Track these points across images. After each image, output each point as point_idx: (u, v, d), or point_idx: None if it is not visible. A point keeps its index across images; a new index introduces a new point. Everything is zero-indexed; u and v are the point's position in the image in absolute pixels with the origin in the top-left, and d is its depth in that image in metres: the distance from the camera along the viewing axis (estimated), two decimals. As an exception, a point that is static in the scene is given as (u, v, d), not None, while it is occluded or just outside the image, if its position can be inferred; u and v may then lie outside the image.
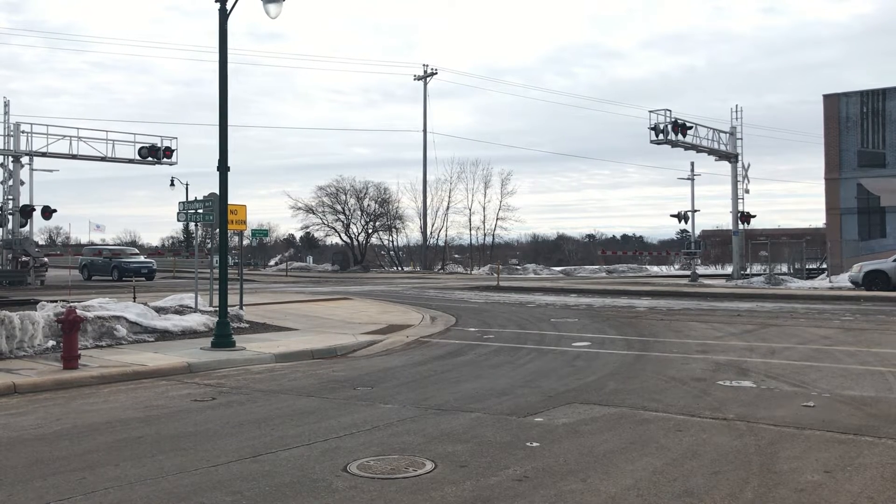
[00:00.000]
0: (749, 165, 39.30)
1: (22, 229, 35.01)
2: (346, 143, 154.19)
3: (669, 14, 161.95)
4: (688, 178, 40.94)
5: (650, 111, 35.34)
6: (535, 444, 6.88)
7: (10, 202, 34.54)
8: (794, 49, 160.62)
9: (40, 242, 60.52)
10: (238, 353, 12.92)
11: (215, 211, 15.84)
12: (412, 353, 13.60)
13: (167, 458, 6.58)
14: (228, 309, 14.31)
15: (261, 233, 37.82)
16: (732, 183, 39.13)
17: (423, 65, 62.71)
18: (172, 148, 37.02)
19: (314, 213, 66.55)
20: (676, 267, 62.79)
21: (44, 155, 35.05)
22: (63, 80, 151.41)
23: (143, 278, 39.17)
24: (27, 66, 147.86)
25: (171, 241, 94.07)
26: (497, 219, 67.53)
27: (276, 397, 9.46)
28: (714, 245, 65.04)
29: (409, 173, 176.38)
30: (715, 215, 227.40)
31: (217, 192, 14.41)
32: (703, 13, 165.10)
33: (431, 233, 64.54)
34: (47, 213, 35.37)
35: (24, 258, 34.77)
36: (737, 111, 39.54)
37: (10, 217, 34.38)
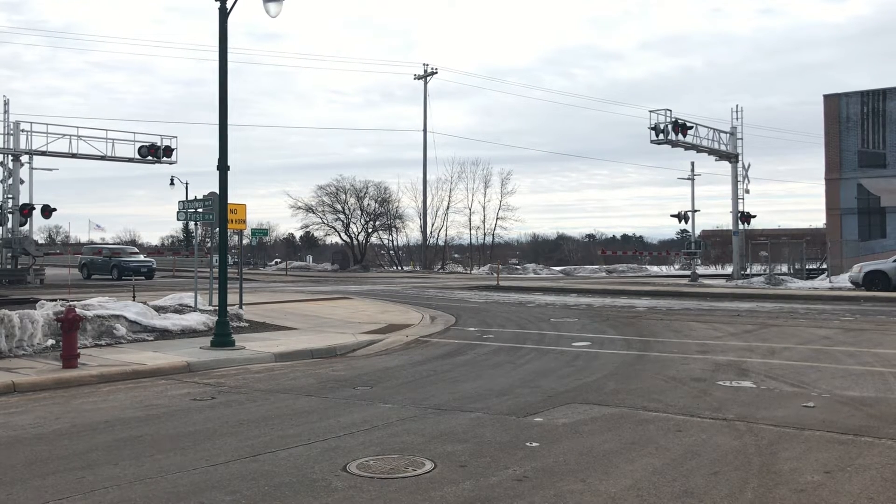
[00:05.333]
0: (749, 165, 39.22)
1: (22, 228, 34.98)
2: (347, 142, 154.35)
3: (667, 15, 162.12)
4: (688, 179, 40.90)
5: (650, 111, 35.31)
6: (534, 444, 6.87)
7: (10, 201, 34.47)
8: (792, 50, 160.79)
9: (40, 241, 60.34)
10: (237, 353, 12.92)
11: (215, 210, 15.82)
12: (412, 353, 13.59)
13: (166, 457, 6.57)
14: (228, 308, 14.29)
15: (260, 232, 37.65)
16: (732, 183, 39.08)
17: (424, 64, 62.74)
18: (172, 147, 36.98)
19: (314, 213, 66.56)
20: (676, 267, 62.71)
21: (44, 154, 35.00)
22: (64, 79, 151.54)
23: (143, 277, 39.15)
24: (28, 66, 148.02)
25: (170, 241, 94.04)
26: (497, 218, 67.47)
27: (276, 397, 9.45)
28: (714, 245, 64.95)
29: (410, 173, 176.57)
30: (715, 215, 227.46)
31: (217, 191, 14.40)
32: (701, 14, 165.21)
33: (431, 232, 64.52)
34: (47, 212, 35.31)
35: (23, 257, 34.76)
36: (737, 111, 39.48)
37: (9, 216, 34.34)
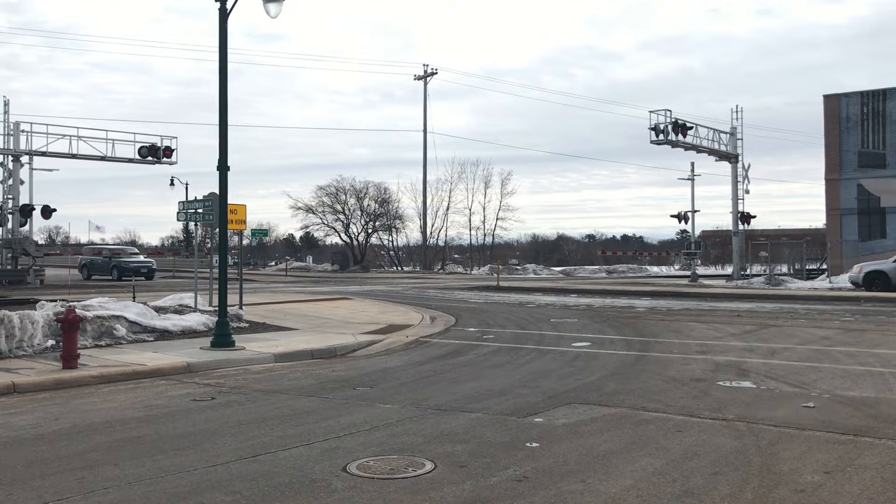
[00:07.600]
0: (749, 166, 39.21)
1: (21, 229, 34.99)
2: (347, 143, 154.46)
3: (666, 16, 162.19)
4: (688, 179, 40.94)
5: (650, 111, 35.32)
6: (534, 445, 6.87)
7: (10, 201, 34.50)
8: (790, 51, 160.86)
9: (40, 242, 60.39)
10: (237, 353, 12.92)
11: (215, 210, 15.82)
12: (412, 353, 13.59)
13: (166, 457, 6.57)
14: (228, 308, 14.29)
15: (260, 232, 37.78)
16: (732, 183, 39.08)
17: (423, 64, 62.84)
18: (172, 147, 37.00)
19: (314, 213, 66.59)
20: (676, 267, 62.72)
21: (43, 154, 35.03)
22: (63, 80, 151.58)
23: (143, 278, 39.14)
24: (27, 66, 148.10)
25: (170, 241, 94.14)
26: (497, 219, 67.51)
27: (276, 397, 9.45)
28: (714, 245, 65.01)
29: (410, 173, 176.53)
30: (715, 216, 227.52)
31: (217, 191, 14.40)
32: (699, 15, 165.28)
33: (431, 233, 64.57)
34: (47, 212, 35.34)
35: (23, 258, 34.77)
36: (737, 111, 39.47)
37: (9, 216, 34.35)
